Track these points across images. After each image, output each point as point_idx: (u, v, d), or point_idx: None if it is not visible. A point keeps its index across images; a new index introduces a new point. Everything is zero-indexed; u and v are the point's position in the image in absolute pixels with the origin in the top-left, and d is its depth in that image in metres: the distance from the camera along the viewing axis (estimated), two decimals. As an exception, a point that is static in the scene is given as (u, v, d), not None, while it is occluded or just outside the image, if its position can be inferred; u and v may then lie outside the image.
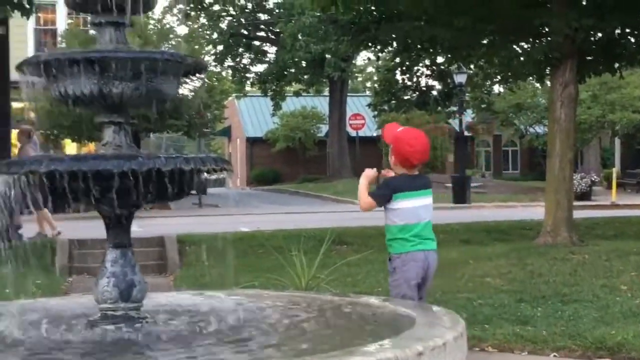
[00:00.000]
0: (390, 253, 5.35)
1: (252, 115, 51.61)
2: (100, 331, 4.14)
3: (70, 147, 29.25)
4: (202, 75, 4.82)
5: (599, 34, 13.37)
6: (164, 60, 4.15)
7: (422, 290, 5.38)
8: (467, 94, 36.96)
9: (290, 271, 8.09)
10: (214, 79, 33.17)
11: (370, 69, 63.86)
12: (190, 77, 4.58)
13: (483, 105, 43.60)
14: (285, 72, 39.79)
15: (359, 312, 4.74)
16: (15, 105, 20.60)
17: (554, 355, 5.66)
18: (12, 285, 6.00)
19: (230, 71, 41.23)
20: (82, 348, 3.93)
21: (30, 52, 29.29)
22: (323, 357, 3.22)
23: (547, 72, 13.67)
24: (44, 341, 4.10)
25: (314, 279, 8.09)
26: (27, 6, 13.34)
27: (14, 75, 15.51)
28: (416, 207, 5.33)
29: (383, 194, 5.32)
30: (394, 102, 42.30)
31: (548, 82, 14.45)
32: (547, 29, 13.15)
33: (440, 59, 20.62)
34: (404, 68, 38.71)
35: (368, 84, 64.01)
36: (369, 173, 5.43)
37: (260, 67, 41.97)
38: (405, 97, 42.06)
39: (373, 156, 39.93)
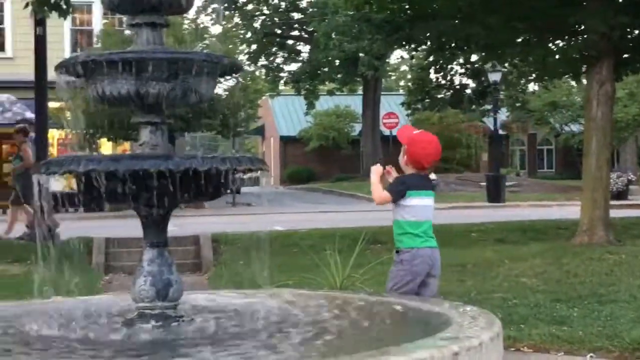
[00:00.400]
0: (399, 247, 5.57)
1: (285, 114, 51.67)
2: (137, 330, 4.17)
3: (106, 147, 29.48)
4: (239, 76, 4.84)
5: (636, 32, 13.22)
6: (201, 60, 4.17)
7: (429, 288, 5.60)
8: (501, 93, 36.78)
9: (325, 270, 8.10)
10: (248, 78, 33.25)
11: (403, 68, 63.71)
12: (226, 77, 4.60)
13: (518, 104, 43.35)
14: (319, 71, 39.81)
15: (394, 312, 4.73)
16: (51, 105, 20.77)
17: (591, 356, 5.61)
18: (50, 283, 6.05)
19: (263, 70, 41.35)
20: (119, 346, 3.96)
21: (66, 52, 29.57)
22: (359, 356, 3.21)
23: (583, 70, 13.56)
24: (82, 339, 4.13)
25: (349, 278, 8.09)
26: (64, 7, 13.46)
27: (50, 75, 15.65)
28: (425, 206, 5.61)
29: (399, 190, 5.54)
30: (427, 100, 42.19)
31: (584, 80, 14.32)
32: (582, 27, 13.03)
33: (474, 57, 20.52)
34: (438, 66, 38.55)
35: (402, 83, 63.87)
36: (378, 169, 5.73)
37: (293, 66, 42.06)
38: (439, 96, 41.95)
39: (407, 155, 39.78)
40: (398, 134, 5.86)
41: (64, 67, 4.22)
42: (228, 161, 4.04)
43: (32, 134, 16.51)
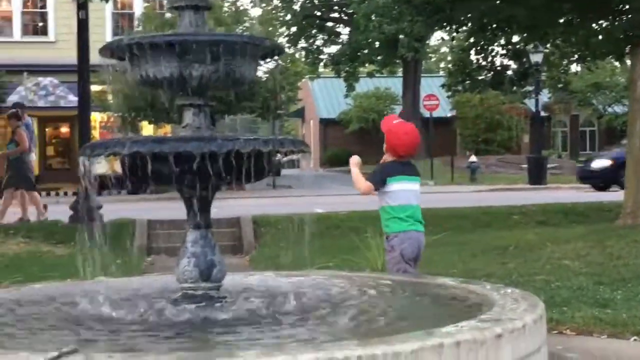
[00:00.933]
0: (387, 232, 5.84)
1: (325, 96, 51.62)
2: (180, 310, 4.21)
3: (147, 130, 29.72)
4: (279, 58, 4.86)
5: (682, 11, 12.99)
6: (243, 43, 4.18)
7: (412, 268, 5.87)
8: (543, 74, 36.35)
9: (366, 252, 8.12)
10: (288, 60, 33.27)
11: (444, 49, 63.27)
12: (268, 59, 4.62)
13: (560, 85, 42.85)
14: (359, 53, 39.68)
15: (435, 294, 4.73)
16: (94, 88, 20.96)
17: (634, 339, 5.57)
18: (94, 264, 6.14)
19: (303, 53, 41.31)
20: (163, 326, 4.00)
21: (107, 36, 29.81)
22: (401, 338, 3.22)
23: (627, 51, 13.36)
24: (127, 319, 4.19)
25: (389, 260, 8.10)
26: (106, -10, 13.56)
27: (92, 59, 15.76)
28: (407, 191, 5.83)
29: (379, 178, 5.84)
30: (468, 82, 41.75)
31: (628, 61, 14.12)
32: (627, 7, 12.84)
33: (516, 38, 20.31)
34: (479, 48, 38.14)
35: (442, 64, 63.47)
36: (356, 160, 6.11)
37: (333, 49, 41.98)
38: (480, 77, 41.49)
39: (447, 137, 39.68)
40: (381, 123, 6.14)
41: (108, 50, 4.26)
42: (270, 143, 4.06)
43: (28, 118, 16.59)
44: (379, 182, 5.79)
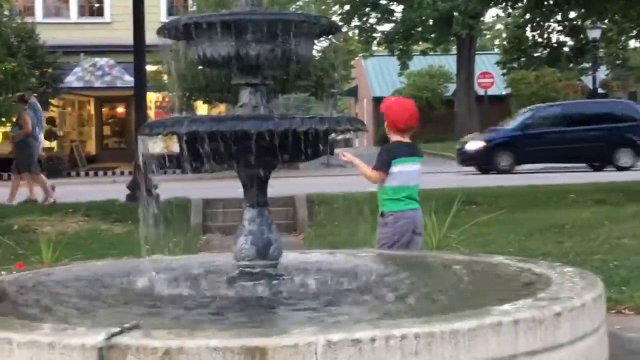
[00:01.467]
0: (384, 211, 5.97)
1: (378, 75, 51.39)
2: (238, 287, 4.26)
3: (202, 109, 29.92)
4: (335, 36, 4.86)
5: None
6: (299, 21, 4.18)
7: (415, 245, 5.99)
8: (600, 50, 35.77)
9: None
10: (341, 39, 33.15)
11: (498, 26, 62.52)
12: (324, 37, 4.62)
13: (618, 61, 42.09)
14: (412, 31, 39.42)
15: (493, 272, 4.70)
16: (149, 68, 21.14)
17: (695, 319, 5.49)
18: (151, 243, 6.22)
19: (357, 31, 41.15)
20: (221, 303, 4.05)
21: (162, 16, 30.02)
22: (458, 316, 3.22)
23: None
24: (185, 297, 4.25)
25: (444, 238, 8.08)
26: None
27: (148, 39, 15.86)
28: (409, 172, 5.94)
29: (386, 161, 5.90)
30: (523, 59, 41.36)
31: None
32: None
33: (573, 14, 20.02)
34: (535, 24, 37.71)
35: (496, 42, 62.75)
36: (349, 155, 6.20)
37: (387, 27, 41.73)
38: (536, 54, 41.08)
39: (501, 115, 39.17)
40: (381, 106, 6.22)
41: (166, 29, 4.29)
42: (327, 121, 4.07)
43: (35, 102, 16.76)
44: (386, 165, 5.88)
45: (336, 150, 6.05)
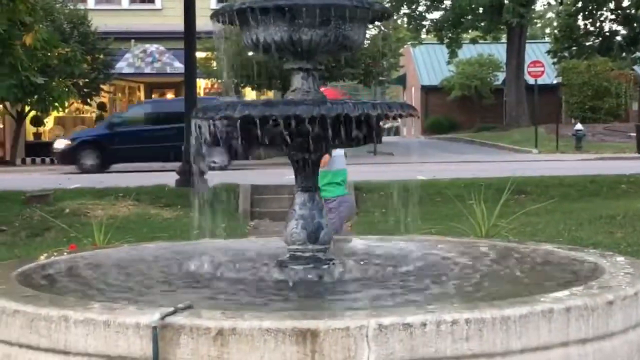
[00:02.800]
0: (326, 197, 6.02)
1: (427, 63, 51.16)
2: (289, 271, 4.29)
3: (250, 96, 30.04)
4: (385, 24, 4.85)
5: None
6: (353, 7, 4.18)
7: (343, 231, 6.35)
8: (654, 39, 35.16)
9: (471, 219, 8.07)
10: (390, 26, 33.04)
11: (550, 15, 61.76)
12: (376, 24, 4.62)
13: (672, 51, 41.31)
14: (462, 19, 39.13)
15: (543, 260, 4.68)
16: (199, 55, 21.28)
17: None
18: (201, 227, 6.29)
19: (406, 19, 40.94)
20: (271, 287, 4.09)
21: (213, 3, 30.17)
22: (510, 302, 3.21)
23: None
24: (236, 279, 4.29)
25: (494, 227, 8.04)
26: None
27: (198, 25, 15.95)
28: (341, 155, 6.33)
29: None
30: (574, 48, 40.82)
31: None
32: None
33: (626, 2, 19.69)
34: (587, 12, 37.24)
35: (547, 30, 62.03)
36: None
37: (436, 14, 41.45)
38: (587, 43, 40.50)
39: (552, 104, 38.82)
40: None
41: (220, 15, 4.32)
42: (379, 107, 4.06)
43: None
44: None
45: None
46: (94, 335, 3.07)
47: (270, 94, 29.55)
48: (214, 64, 28.67)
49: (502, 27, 40.49)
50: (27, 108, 27.58)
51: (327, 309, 3.49)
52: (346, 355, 2.90)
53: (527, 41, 42.87)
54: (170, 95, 37.08)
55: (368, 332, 2.90)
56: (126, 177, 17.60)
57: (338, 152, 6.17)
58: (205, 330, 2.93)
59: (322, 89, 6.43)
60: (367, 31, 4.73)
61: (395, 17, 39.29)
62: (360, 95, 41.14)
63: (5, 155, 29.38)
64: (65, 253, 5.26)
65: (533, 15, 45.28)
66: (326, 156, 5.99)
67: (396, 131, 54.73)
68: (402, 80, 53.90)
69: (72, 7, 30.22)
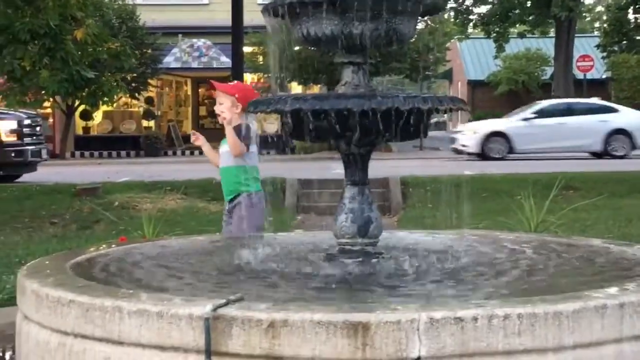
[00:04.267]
0: (249, 191, 6.06)
1: (474, 57, 50.81)
2: (338, 265, 4.30)
3: (296, 91, 30.10)
4: (432, 18, 4.83)
5: None
6: (404, 0, 4.17)
7: None
8: None
9: (519, 214, 8.02)
10: (437, 21, 32.87)
11: (599, 8, 60.98)
12: (427, 17, 4.61)
13: None
14: (510, 13, 38.75)
15: (594, 255, 4.64)
16: (245, 49, 21.36)
17: None
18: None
19: (452, 13, 40.67)
20: (320, 280, 4.10)
21: (259, -3, 30.26)
22: (562, 297, 3.19)
23: None
24: (285, 272, 4.31)
25: (542, 223, 7.98)
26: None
27: (246, 20, 16.00)
28: (255, 152, 6.19)
29: (249, 137, 6.03)
30: (625, 42, 40.25)
31: None
32: None
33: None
34: (637, 6, 36.69)
35: (596, 24, 61.25)
36: (199, 137, 6.32)
37: (483, 8, 41.10)
38: (638, 37, 39.90)
39: (601, 99, 38.28)
40: (219, 88, 6.24)
41: (270, 9, 4.34)
42: (429, 100, 4.05)
43: None
44: (250, 141, 6.04)
45: (192, 131, 6.16)
46: (147, 326, 3.11)
47: (316, 89, 29.58)
48: (261, 58, 28.78)
49: (550, 21, 40.02)
50: (76, 102, 27.97)
51: (377, 302, 3.49)
52: (397, 349, 2.90)
53: (575, 35, 42.32)
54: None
55: (419, 325, 2.90)
56: (174, 170, 17.74)
57: (254, 148, 6.11)
58: (257, 322, 2.96)
59: (236, 84, 6.53)
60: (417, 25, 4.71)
61: (441, 12, 39.08)
62: (406, 90, 40.90)
63: (55, 149, 29.81)
64: (115, 245, 5.33)
65: (582, 8, 44.67)
66: (242, 146, 5.95)
67: (442, 126, 54.49)
68: (448, 75, 53.62)
69: (120, 2, 30.55)
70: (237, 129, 6.06)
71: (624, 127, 24.89)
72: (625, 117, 25.65)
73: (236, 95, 6.07)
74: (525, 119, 25.57)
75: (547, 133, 24.20)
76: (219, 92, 6.17)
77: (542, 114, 25.82)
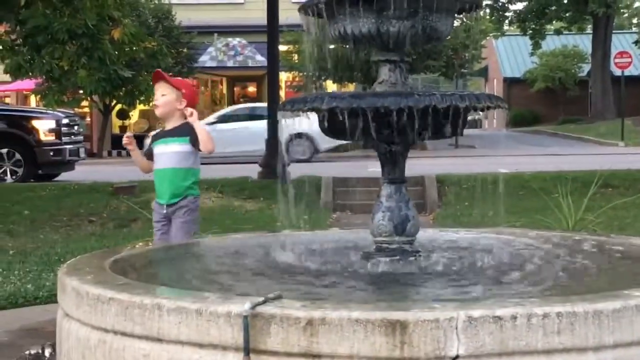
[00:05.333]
0: (193, 195, 5.64)
1: (510, 55, 50.52)
2: (375, 263, 4.30)
3: (331, 88, 30.11)
4: (468, 15, 4.80)
5: None
6: (441, -2, 4.16)
7: None
8: None
9: (557, 212, 7.96)
10: (472, 18, 32.70)
11: (637, 4, 60.28)
12: (464, 14, 4.59)
13: None
14: (546, 10, 38.46)
15: (632, 254, 4.58)
16: (281, 48, 21.39)
17: None
18: (284, 218, 6.34)
19: (488, 10, 40.47)
20: (357, 278, 4.10)
21: (294, -5, 30.30)
22: (602, 296, 3.16)
23: None
24: (322, 270, 4.31)
25: (581, 221, 7.92)
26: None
27: (281, 19, 16.02)
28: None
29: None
30: (663, 38, 39.79)
31: None
32: None
33: None
34: (677, 2, 36.18)
35: (635, 20, 60.58)
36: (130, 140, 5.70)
37: (519, 5, 40.83)
38: (677, 33, 39.45)
39: (639, 96, 37.92)
40: (178, 84, 5.82)
41: (307, 7, 4.35)
42: (467, 98, 4.04)
43: None
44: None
45: (126, 134, 5.63)
46: (186, 323, 3.12)
47: (352, 87, 29.57)
48: (296, 57, 28.82)
49: (587, 17, 39.70)
50: (113, 101, 28.21)
51: (415, 300, 3.49)
52: (435, 347, 2.89)
53: (613, 31, 41.92)
54: (251, 89, 37.46)
55: (457, 324, 2.89)
56: (210, 169, 17.83)
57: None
58: (295, 320, 2.96)
59: (182, 80, 6.13)
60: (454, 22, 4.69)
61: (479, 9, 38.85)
62: (440, 88, 40.77)
63: (93, 147, 30.10)
64: (151, 243, 5.37)
65: (620, 4, 44.23)
66: (214, 143, 5.57)
67: (477, 124, 54.21)
68: (484, 73, 53.36)
69: (157, 1, 30.75)
70: (202, 125, 5.73)
71: (306, 131, 23.76)
72: (306, 121, 24.49)
73: (183, 91, 5.70)
74: (209, 124, 24.87)
75: (228, 138, 22.84)
76: (164, 83, 5.67)
77: (224, 119, 25.49)
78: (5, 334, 4.97)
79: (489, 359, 2.90)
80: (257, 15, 26.39)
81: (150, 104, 28.56)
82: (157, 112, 5.74)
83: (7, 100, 31.95)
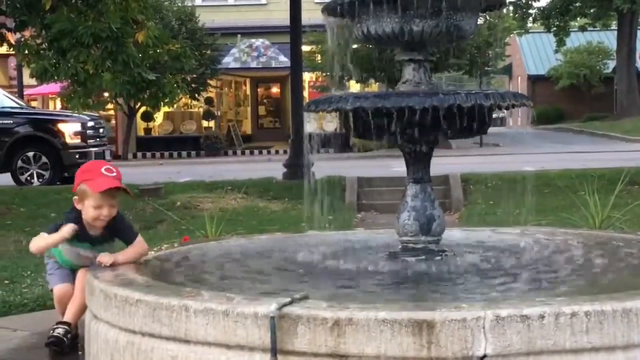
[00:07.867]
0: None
1: (534, 52, 50.22)
2: (401, 262, 4.29)
3: (355, 89, 30.08)
4: (491, 13, 4.79)
5: None
6: (464, -4, 4.16)
7: None
8: None
9: (584, 210, 7.89)
10: (496, 15, 32.56)
11: (662, 0, 59.69)
12: (488, 12, 4.58)
13: None
14: (570, 6, 38.21)
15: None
16: (304, 48, 21.39)
17: None
18: (308, 219, 6.34)
19: (512, 7, 40.27)
20: (384, 278, 4.10)
21: (317, -4, 30.31)
22: (631, 295, 3.14)
23: None
24: (348, 270, 4.31)
25: (607, 219, 7.84)
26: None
27: (304, 19, 16.02)
28: None
29: None
30: (690, 34, 39.40)
31: None
32: None
33: None
34: (703, -4, 35.87)
35: (660, 16, 59.98)
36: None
37: (543, 2, 40.60)
38: (703, 29, 39.05)
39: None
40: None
41: (331, 8, 4.35)
42: (492, 97, 4.02)
43: None
44: None
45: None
46: (213, 324, 3.13)
47: (375, 87, 29.52)
48: (319, 57, 28.81)
49: (612, 13, 39.39)
50: (138, 104, 28.34)
51: (440, 300, 3.48)
52: (463, 347, 2.89)
53: (638, 27, 41.57)
54: (275, 90, 37.50)
55: (485, 323, 2.88)
56: (234, 170, 17.88)
57: None
58: (322, 320, 2.96)
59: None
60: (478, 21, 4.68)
61: (503, 7, 38.67)
62: (464, 86, 40.60)
63: (118, 150, 30.24)
64: (178, 244, 5.39)
65: (645, 0, 43.88)
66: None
67: (501, 122, 53.96)
68: (508, 70, 53.08)
69: (180, 3, 30.86)
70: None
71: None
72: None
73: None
74: None
75: None
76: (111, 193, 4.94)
77: None
78: (34, 336, 5.01)
79: (516, 358, 2.89)
80: (280, 15, 26.45)
81: (175, 106, 28.62)
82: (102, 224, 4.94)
83: (34, 103, 32.16)
